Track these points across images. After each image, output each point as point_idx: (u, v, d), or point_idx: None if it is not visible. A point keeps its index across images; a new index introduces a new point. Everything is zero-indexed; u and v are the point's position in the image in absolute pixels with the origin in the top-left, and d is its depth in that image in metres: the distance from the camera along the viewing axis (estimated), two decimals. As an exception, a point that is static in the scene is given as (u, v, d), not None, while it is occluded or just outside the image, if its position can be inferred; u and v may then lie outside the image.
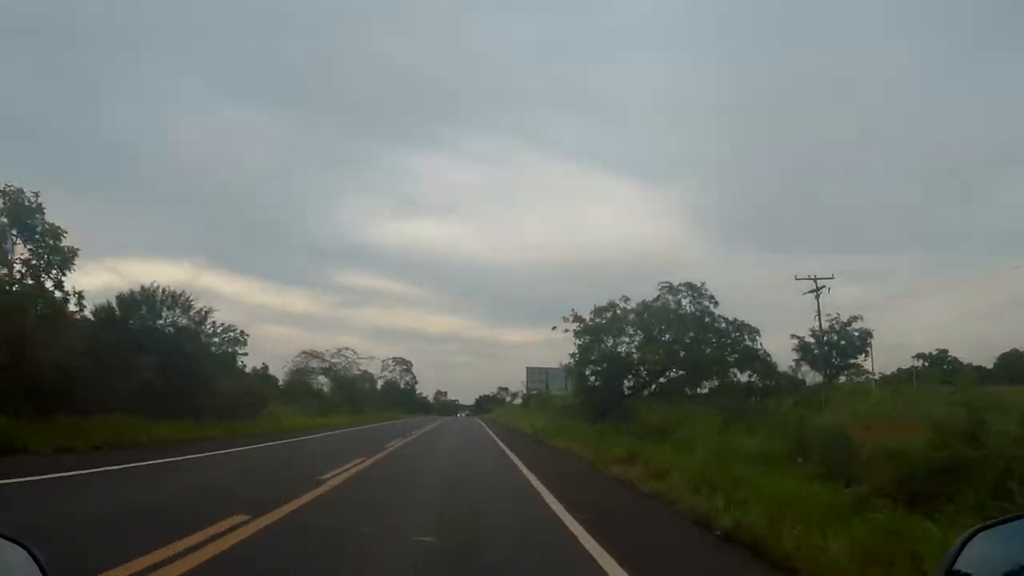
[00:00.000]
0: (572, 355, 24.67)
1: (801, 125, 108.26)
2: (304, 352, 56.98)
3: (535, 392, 63.99)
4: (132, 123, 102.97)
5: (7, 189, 18.31)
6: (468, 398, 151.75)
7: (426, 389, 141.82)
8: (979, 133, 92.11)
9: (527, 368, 72.47)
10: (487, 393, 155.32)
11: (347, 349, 58.66)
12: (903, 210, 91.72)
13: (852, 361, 39.21)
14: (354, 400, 55.41)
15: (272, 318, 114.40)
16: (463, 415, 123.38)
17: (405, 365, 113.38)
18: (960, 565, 1.41)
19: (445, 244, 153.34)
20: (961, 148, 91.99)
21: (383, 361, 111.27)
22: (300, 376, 55.20)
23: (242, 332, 29.41)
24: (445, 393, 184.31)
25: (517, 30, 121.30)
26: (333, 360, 57.65)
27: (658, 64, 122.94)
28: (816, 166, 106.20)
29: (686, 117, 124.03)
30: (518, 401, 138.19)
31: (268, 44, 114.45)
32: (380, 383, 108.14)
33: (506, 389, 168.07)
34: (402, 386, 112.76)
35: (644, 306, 24.06)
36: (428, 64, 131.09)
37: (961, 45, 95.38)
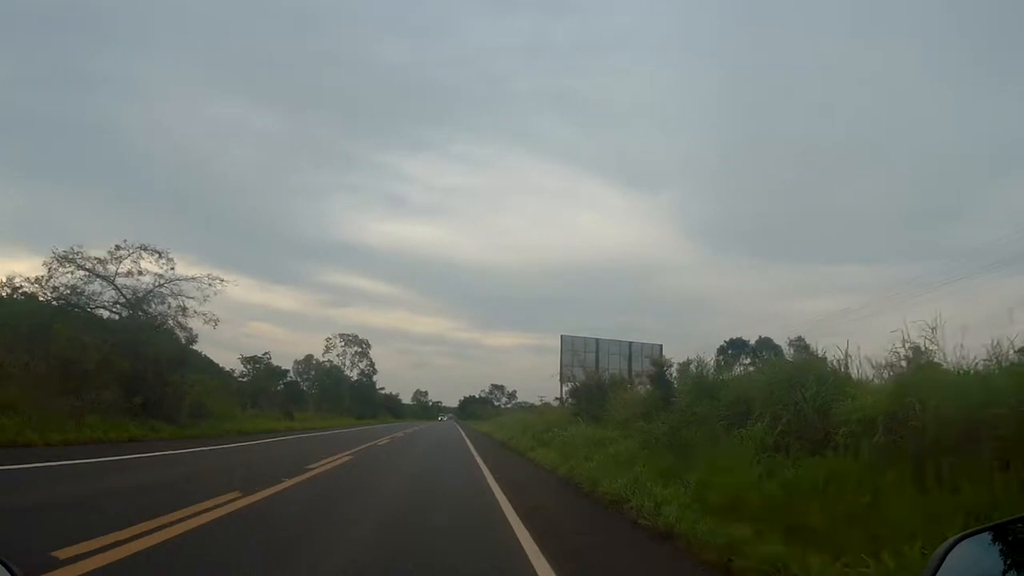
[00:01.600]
0: None
1: (791, 131, 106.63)
2: (58, 256, 22.76)
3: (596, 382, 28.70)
4: (121, 113, 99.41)
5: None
6: (451, 399, 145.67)
7: (404, 389, 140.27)
8: (974, 141, 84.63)
9: (563, 337, 39.10)
10: (473, 394, 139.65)
11: (147, 251, 23.79)
12: (895, 219, 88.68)
13: None
14: (155, 394, 20.65)
15: (257, 315, 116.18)
16: (445, 419, 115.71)
17: (359, 347, 78.66)
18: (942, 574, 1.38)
19: (432, 245, 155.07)
20: (955, 156, 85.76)
21: (327, 339, 77.02)
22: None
23: None
24: (425, 393, 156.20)
25: (509, 33, 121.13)
26: (117, 279, 23.22)
27: (648, 68, 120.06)
28: (807, 173, 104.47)
29: (675, 122, 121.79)
30: (517, 404, 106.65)
31: (258, 42, 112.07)
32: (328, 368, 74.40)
33: (501, 388, 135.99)
34: (354, 377, 78.24)
35: None
36: (419, 65, 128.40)
37: (958, 52, 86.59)
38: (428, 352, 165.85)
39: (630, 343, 40.67)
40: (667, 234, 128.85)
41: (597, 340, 39.44)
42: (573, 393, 25.83)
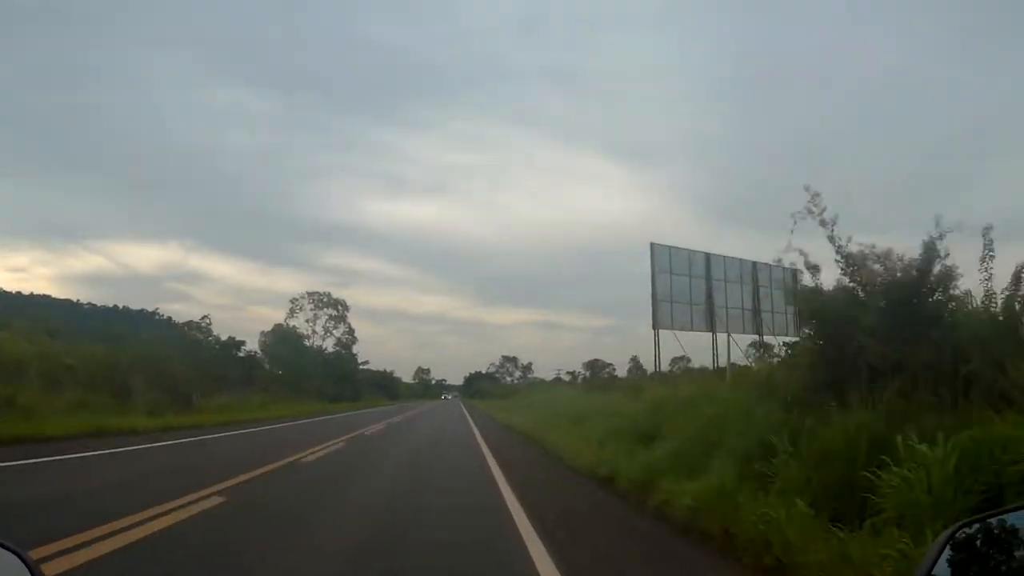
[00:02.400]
0: None
1: (793, 104, 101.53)
2: None
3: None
4: (118, 104, 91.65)
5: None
6: (455, 377, 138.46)
7: (407, 369, 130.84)
8: (975, 116, 79.72)
9: (653, 247, 21.47)
10: (479, 370, 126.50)
11: None
12: (897, 192, 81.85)
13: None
14: None
15: (260, 299, 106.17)
16: (449, 397, 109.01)
17: (333, 309, 61.00)
18: (942, 563, 1.39)
19: (433, 224, 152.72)
20: (956, 131, 74.23)
21: (292, 301, 59.64)
22: None
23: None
24: (428, 371, 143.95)
25: (506, 8, 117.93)
26: None
27: (648, 42, 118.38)
28: (808, 145, 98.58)
29: (676, 96, 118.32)
30: (530, 380, 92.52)
31: (255, 23, 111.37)
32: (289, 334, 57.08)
33: (513, 360, 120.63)
34: (329, 348, 60.76)
35: None
36: (417, 43, 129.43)
37: (961, 24, 79.98)
38: (431, 331, 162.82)
39: (754, 262, 23.50)
40: (669, 208, 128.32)
41: (707, 254, 22.25)
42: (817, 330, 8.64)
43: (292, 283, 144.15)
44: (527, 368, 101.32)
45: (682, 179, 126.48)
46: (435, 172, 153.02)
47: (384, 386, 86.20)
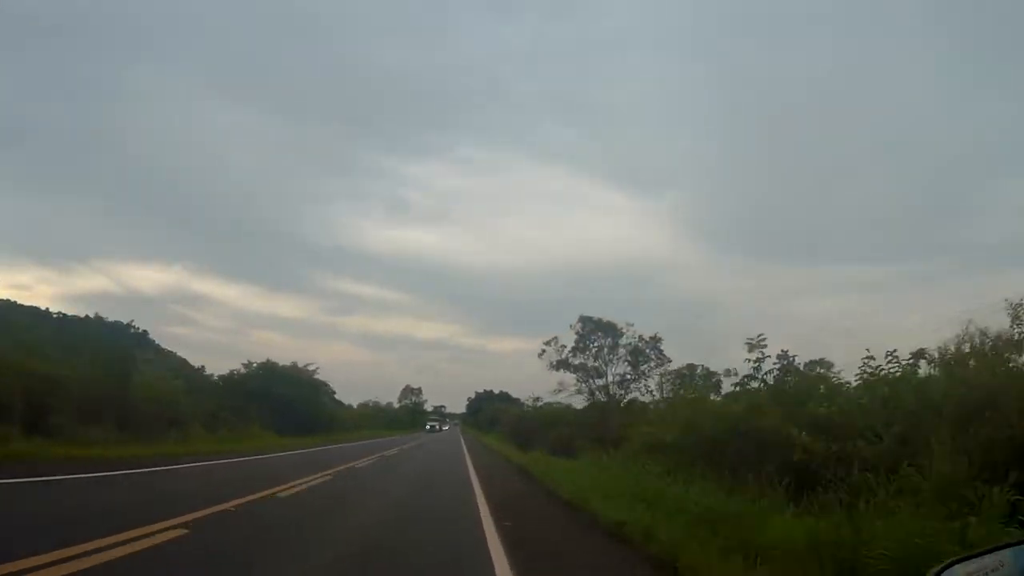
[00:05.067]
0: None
1: (795, 131, 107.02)
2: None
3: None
4: (123, 123, 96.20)
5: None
6: (455, 405, 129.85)
7: (392, 392, 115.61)
8: (978, 142, 79.11)
9: None
10: (489, 388, 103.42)
11: None
12: (902, 217, 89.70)
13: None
14: None
15: (263, 324, 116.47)
16: (445, 428, 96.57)
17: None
18: None
19: (435, 250, 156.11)
20: (960, 157, 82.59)
21: None
22: None
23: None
24: (419, 391, 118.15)
25: (510, 36, 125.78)
26: None
27: (651, 70, 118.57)
28: (811, 172, 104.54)
29: (678, 123, 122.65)
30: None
31: (260, 48, 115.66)
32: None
33: (609, 327, 73.64)
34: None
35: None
36: (421, 70, 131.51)
37: (962, 52, 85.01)
38: (432, 358, 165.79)
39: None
40: (671, 236, 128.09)
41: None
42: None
43: (296, 308, 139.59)
44: (658, 349, 32.69)
45: (685, 205, 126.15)
46: (438, 198, 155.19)
47: (301, 415, 42.26)
